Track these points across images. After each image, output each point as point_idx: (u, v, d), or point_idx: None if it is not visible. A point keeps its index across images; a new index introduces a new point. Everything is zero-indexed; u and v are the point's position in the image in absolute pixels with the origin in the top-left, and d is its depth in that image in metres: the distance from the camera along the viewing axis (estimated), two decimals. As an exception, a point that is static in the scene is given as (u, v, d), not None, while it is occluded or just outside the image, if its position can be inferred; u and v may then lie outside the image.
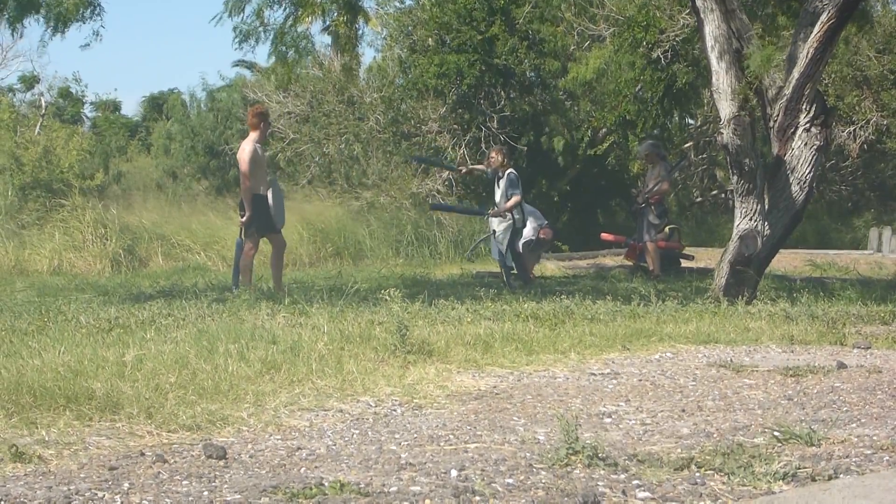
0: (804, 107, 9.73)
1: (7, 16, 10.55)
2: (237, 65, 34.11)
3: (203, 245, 17.70)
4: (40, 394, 4.67)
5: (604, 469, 3.72)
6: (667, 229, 13.84)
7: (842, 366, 6.03)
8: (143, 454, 4.00)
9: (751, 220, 9.61)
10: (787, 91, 9.77)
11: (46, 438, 4.18)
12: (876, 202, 23.65)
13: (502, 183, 12.29)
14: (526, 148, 19.52)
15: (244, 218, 10.46)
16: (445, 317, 7.66)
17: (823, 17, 9.58)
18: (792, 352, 6.79)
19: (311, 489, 3.47)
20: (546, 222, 13.30)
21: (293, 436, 4.38)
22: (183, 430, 4.37)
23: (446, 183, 20.01)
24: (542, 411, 4.87)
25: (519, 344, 6.58)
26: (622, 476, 3.66)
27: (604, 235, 16.26)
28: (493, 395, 5.30)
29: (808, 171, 9.80)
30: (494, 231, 12.52)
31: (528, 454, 3.98)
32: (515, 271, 12.65)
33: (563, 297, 9.21)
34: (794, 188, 9.83)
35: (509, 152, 13.13)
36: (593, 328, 7.38)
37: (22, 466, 3.80)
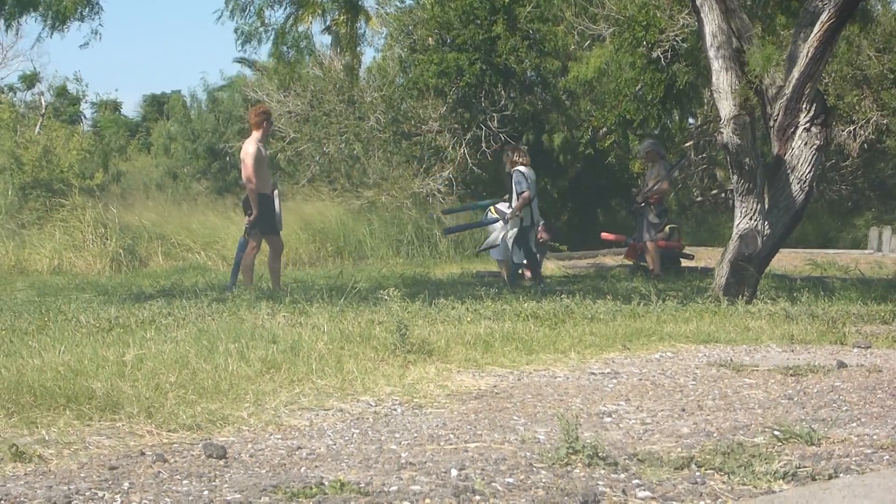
0: (804, 106, 9.73)
1: (4, 13, 10.54)
2: (238, 62, 34.10)
3: (203, 245, 17.70)
4: (40, 393, 4.67)
5: (604, 468, 3.72)
6: (667, 229, 13.85)
7: (842, 365, 6.03)
8: (143, 454, 4.00)
9: (751, 219, 9.61)
10: (788, 90, 9.77)
11: (46, 438, 4.18)
12: (876, 201, 23.66)
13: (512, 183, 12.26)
14: (526, 147, 19.51)
15: (251, 217, 10.46)
16: (445, 316, 7.66)
17: (823, 17, 9.58)
18: (792, 351, 6.79)
19: (311, 488, 3.47)
20: (542, 221, 13.27)
21: (293, 435, 4.38)
22: (183, 429, 4.36)
23: (446, 183, 20.01)
24: (542, 411, 4.87)
25: (519, 343, 6.58)
26: (622, 475, 3.66)
27: (604, 235, 16.27)
28: (493, 394, 5.30)
29: (808, 171, 9.80)
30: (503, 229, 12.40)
31: (528, 453, 3.98)
32: (522, 270, 12.55)
33: (563, 296, 9.22)
34: (795, 187, 9.82)
35: (517, 150, 12.98)
36: (593, 328, 7.38)
37: (22, 466, 3.80)
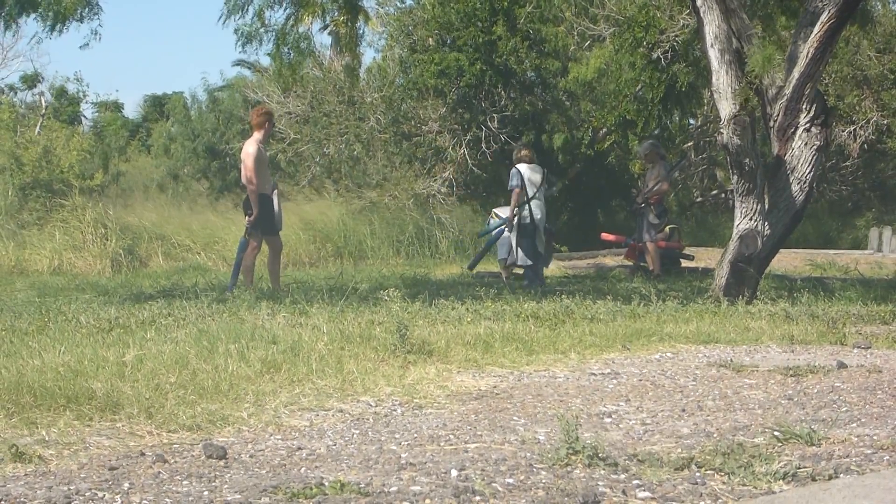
0: (804, 106, 9.73)
1: (4, 13, 10.54)
2: (238, 64, 34.12)
3: (203, 245, 17.71)
4: (40, 394, 4.67)
5: (604, 469, 3.72)
6: (667, 229, 13.85)
7: (842, 365, 6.03)
8: (143, 454, 4.00)
9: (751, 219, 9.61)
10: (788, 91, 9.77)
11: (46, 438, 4.18)
12: (876, 202, 23.66)
13: None
14: (528, 147, 19.52)
15: (251, 217, 10.47)
16: (445, 317, 7.66)
17: (823, 17, 9.58)
18: (792, 351, 6.79)
19: (311, 489, 3.47)
20: (548, 225, 13.21)
21: (293, 436, 4.38)
22: (183, 430, 4.37)
23: (447, 183, 20.01)
24: (542, 411, 4.87)
25: (519, 344, 6.58)
26: (622, 476, 3.66)
27: (604, 235, 16.26)
28: (493, 394, 5.30)
29: (808, 171, 9.80)
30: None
31: (528, 454, 3.98)
32: (524, 270, 12.48)
33: (563, 296, 9.21)
34: (795, 188, 9.82)
35: (521, 147, 12.94)
36: (593, 328, 7.38)
37: (22, 466, 3.80)
